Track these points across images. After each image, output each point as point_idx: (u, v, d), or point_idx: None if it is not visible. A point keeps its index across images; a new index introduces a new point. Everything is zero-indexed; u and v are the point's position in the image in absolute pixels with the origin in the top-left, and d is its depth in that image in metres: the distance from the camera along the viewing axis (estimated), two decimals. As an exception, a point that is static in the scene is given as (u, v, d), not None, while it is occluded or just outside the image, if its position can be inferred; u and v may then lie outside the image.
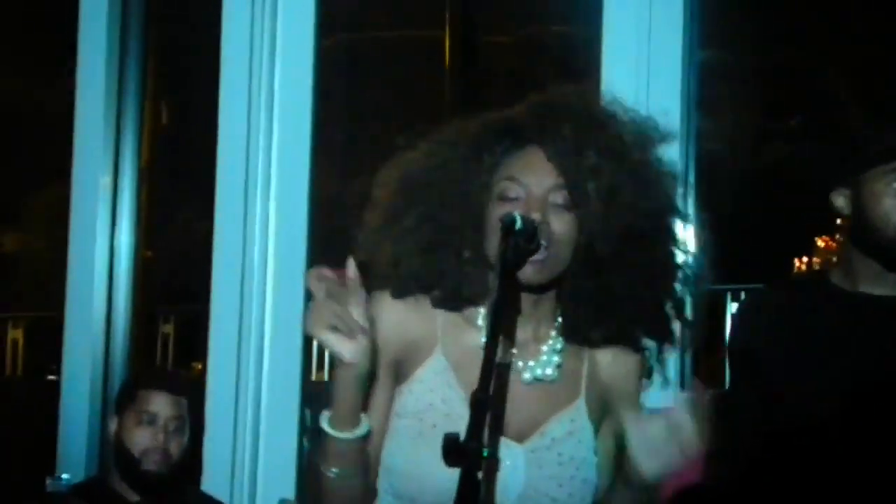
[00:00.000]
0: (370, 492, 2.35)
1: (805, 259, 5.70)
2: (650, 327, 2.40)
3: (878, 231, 3.02)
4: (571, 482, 2.34)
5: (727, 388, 3.48)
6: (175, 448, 3.63)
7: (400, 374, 2.39)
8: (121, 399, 3.77)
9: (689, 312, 2.43)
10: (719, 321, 4.59)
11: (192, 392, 3.82)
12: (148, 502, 3.63)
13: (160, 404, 3.64)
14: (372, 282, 2.38)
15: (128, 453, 3.63)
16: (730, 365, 3.32)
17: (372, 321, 2.29)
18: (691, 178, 3.91)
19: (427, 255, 2.37)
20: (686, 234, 2.43)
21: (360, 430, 2.26)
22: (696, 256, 2.43)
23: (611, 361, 2.43)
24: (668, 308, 2.40)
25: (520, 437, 2.35)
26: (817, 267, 5.87)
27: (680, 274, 2.40)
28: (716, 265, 2.43)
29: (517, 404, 2.36)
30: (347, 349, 2.21)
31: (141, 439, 3.61)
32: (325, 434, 2.26)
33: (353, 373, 2.22)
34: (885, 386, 2.96)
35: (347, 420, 2.25)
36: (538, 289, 2.36)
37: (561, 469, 2.33)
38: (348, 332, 2.20)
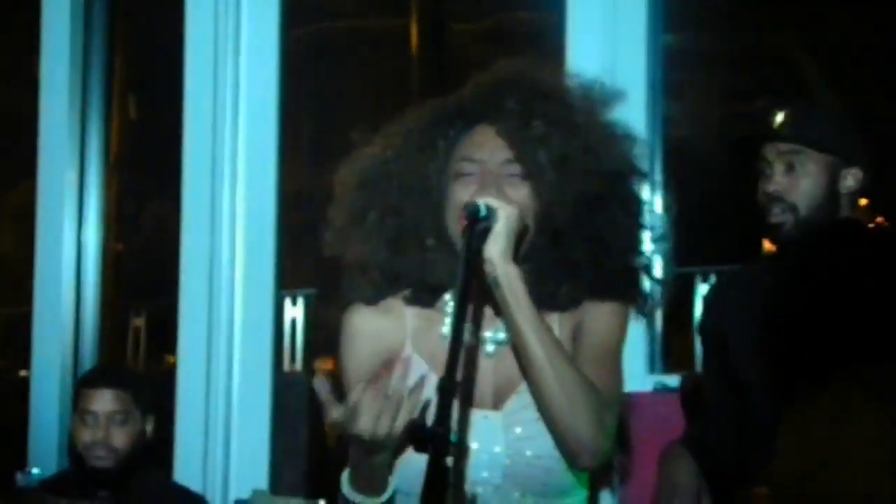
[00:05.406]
0: None
1: (774, 241, 5.73)
2: (617, 288, 2.39)
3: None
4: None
5: (699, 370, 3.49)
6: (119, 441, 3.67)
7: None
8: (73, 399, 3.84)
9: (656, 271, 2.43)
10: (689, 303, 4.60)
11: (142, 382, 3.86)
12: (114, 492, 3.67)
13: (98, 401, 3.69)
14: (342, 282, 2.41)
15: (75, 451, 3.73)
16: (700, 346, 3.34)
17: (348, 336, 2.35)
18: (658, 163, 3.92)
19: (393, 249, 2.37)
20: (649, 194, 2.45)
21: (385, 495, 2.26)
22: (659, 215, 2.45)
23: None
24: (635, 267, 2.41)
25: (497, 404, 2.35)
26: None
27: (645, 233, 2.42)
28: (685, 247, 2.44)
29: (488, 376, 2.37)
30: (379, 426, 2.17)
31: (83, 437, 3.68)
32: (347, 499, 2.25)
33: (386, 452, 2.21)
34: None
35: (376, 487, 2.24)
36: None
37: (540, 425, 2.30)
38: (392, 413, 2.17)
